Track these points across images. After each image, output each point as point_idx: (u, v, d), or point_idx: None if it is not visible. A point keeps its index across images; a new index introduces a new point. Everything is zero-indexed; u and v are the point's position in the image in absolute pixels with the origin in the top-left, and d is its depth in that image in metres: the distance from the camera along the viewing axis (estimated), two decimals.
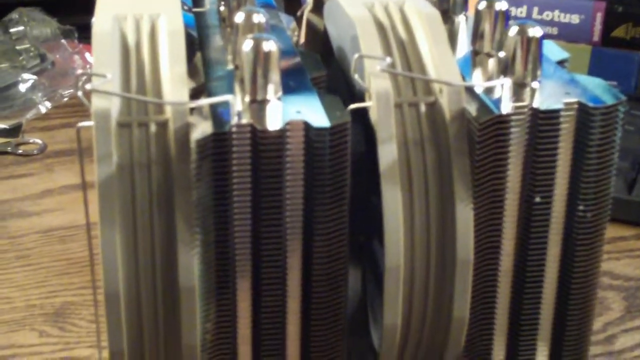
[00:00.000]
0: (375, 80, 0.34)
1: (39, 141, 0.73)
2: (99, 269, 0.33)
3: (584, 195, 0.35)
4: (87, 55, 0.81)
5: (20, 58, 0.80)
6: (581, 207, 0.35)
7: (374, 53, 0.35)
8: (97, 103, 0.33)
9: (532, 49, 0.35)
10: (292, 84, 0.36)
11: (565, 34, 0.76)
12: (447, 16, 0.44)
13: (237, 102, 0.34)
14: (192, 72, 0.39)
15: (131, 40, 0.36)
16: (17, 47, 0.81)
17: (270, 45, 0.34)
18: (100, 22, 0.36)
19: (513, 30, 0.35)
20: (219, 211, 0.33)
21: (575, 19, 0.75)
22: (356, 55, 0.35)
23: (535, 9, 0.76)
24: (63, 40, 0.80)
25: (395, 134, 0.34)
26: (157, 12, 0.37)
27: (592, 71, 0.75)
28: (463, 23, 0.43)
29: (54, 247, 0.60)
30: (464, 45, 0.41)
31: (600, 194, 0.35)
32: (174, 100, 0.32)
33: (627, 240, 0.60)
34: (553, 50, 0.40)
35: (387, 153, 0.34)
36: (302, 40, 0.47)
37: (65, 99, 0.78)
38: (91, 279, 0.37)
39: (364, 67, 0.35)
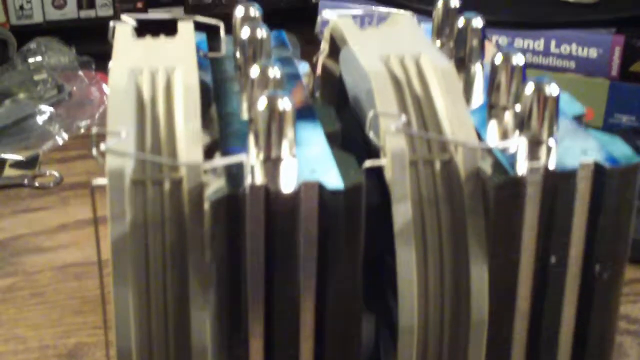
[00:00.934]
0: (391, 139, 0.34)
1: (56, 173, 0.73)
2: (110, 308, 0.33)
3: (600, 256, 0.35)
4: (104, 86, 0.81)
5: (38, 89, 0.80)
6: (597, 268, 0.35)
7: (389, 109, 0.35)
8: (111, 162, 0.33)
9: (548, 106, 0.35)
10: (307, 138, 0.36)
11: (583, 68, 0.75)
12: (463, 64, 0.43)
13: (250, 160, 0.34)
14: (207, 123, 0.39)
15: (147, 95, 0.36)
16: (35, 78, 0.81)
17: (285, 104, 0.34)
18: (116, 76, 0.36)
19: (529, 88, 0.35)
20: (233, 272, 0.33)
21: (593, 53, 0.75)
22: (371, 113, 0.35)
23: (553, 42, 0.76)
24: (80, 72, 0.80)
25: (409, 193, 0.34)
26: (172, 65, 0.37)
27: (610, 106, 0.75)
28: (479, 72, 0.43)
29: (69, 284, 0.60)
30: (479, 95, 0.41)
31: (616, 254, 0.35)
32: (188, 162, 0.32)
33: None
34: (570, 104, 0.39)
35: (402, 213, 0.34)
36: (317, 85, 0.47)
37: (82, 130, 0.78)
38: (102, 318, 0.37)
39: (379, 124, 0.35)
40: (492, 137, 0.37)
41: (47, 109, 0.78)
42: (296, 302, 0.34)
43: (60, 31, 0.91)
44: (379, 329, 0.40)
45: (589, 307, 0.35)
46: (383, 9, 0.40)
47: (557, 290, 0.35)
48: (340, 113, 0.45)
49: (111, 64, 0.38)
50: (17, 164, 0.75)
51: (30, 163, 0.75)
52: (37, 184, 0.72)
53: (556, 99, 0.35)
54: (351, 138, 0.38)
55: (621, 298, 0.58)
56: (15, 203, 0.70)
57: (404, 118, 0.34)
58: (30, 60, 0.83)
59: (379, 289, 0.39)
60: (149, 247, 0.33)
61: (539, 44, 0.76)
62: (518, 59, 0.38)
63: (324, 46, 0.46)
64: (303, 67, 0.44)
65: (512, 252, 0.34)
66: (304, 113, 0.38)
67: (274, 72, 0.37)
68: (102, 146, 0.33)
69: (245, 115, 0.39)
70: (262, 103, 0.34)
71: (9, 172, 0.74)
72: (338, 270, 0.33)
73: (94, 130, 0.33)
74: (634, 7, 0.75)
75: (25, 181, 0.72)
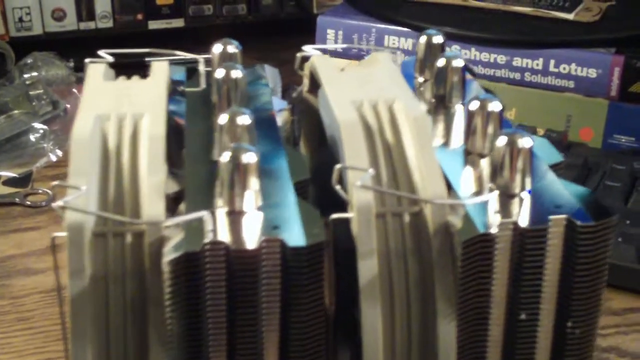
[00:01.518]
0: (357, 193, 0.33)
1: (48, 191, 0.72)
2: None
3: (573, 312, 0.34)
4: None
5: (33, 104, 0.80)
6: (569, 324, 0.34)
7: (358, 161, 0.34)
8: (70, 217, 0.32)
9: (521, 159, 0.34)
10: (273, 189, 0.35)
11: (582, 88, 0.74)
12: (443, 104, 0.43)
13: (213, 217, 0.33)
14: (178, 166, 0.39)
15: (112, 143, 0.35)
16: (31, 93, 0.81)
17: (249, 157, 0.33)
18: (81, 123, 0.36)
19: (502, 141, 0.34)
20: (194, 328, 0.33)
21: (592, 73, 0.74)
22: (337, 166, 0.34)
23: (552, 62, 0.75)
24: (74, 90, 0.80)
25: (376, 247, 0.33)
26: (141, 112, 0.37)
27: (609, 126, 0.74)
28: (460, 112, 0.42)
29: (56, 309, 0.59)
30: (459, 137, 0.40)
31: (589, 310, 0.34)
32: (148, 220, 0.32)
33: (637, 312, 0.59)
34: (547, 152, 0.38)
35: (367, 269, 0.33)
36: (298, 120, 0.47)
37: None
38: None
39: (347, 176, 0.34)
40: (467, 185, 0.36)
41: (40, 127, 0.77)
42: (259, 357, 0.33)
43: (59, 43, 0.91)
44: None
45: None
46: (363, 46, 0.40)
47: (528, 347, 0.34)
48: (321, 148, 0.45)
49: (79, 107, 0.38)
50: (10, 181, 0.74)
51: (23, 180, 0.74)
52: (29, 203, 0.71)
53: (529, 152, 0.34)
54: (328, 176, 0.38)
55: (612, 329, 0.57)
56: (6, 222, 0.69)
57: (371, 171, 0.33)
58: (26, 75, 0.82)
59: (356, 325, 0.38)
60: (110, 300, 0.33)
61: (538, 63, 0.75)
62: (494, 106, 0.37)
63: (305, 81, 0.45)
64: (281, 106, 0.43)
65: (481, 309, 0.34)
66: (272, 161, 0.37)
67: (243, 119, 0.36)
68: (60, 201, 0.32)
69: (215, 156, 0.38)
70: (225, 156, 0.33)
71: (1, 189, 0.73)
72: (301, 327, 0.33)
73: (54, 183, 0.32)
74: (634, 27, 0.74)
75: (17, 200, 0.72)
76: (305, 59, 0.45)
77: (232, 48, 0.43)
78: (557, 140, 0.71)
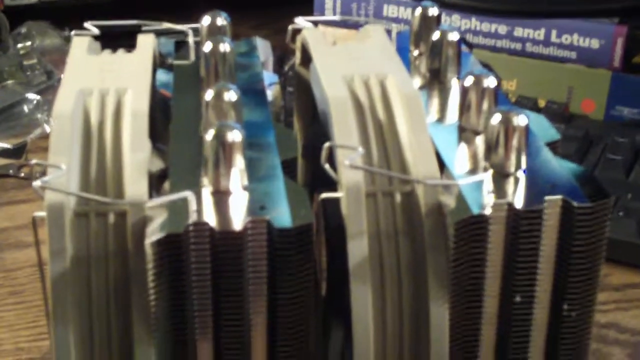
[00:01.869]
0: (346, 172, 0.32)
1: (43, 163, 0.71)
2: None
3: (569, 295, 0.33)
4: None
5: (27, 74, 0.79)
6: (565, 307, 0.33)
7: (348, 139, 0.33)
8: (50, 197, 0.31)
9: (516, 138, 0.33)
10: (260, 167, 0.34)
11: (585, 59, 0.73)
12: (438, 78, 0.41)
13: (198, 197, 0.32)
14: (164, 142, 0.38)
15: (94, 119, 0.34)
16: (25, 63, 0.80)
17: (234, 136, 0.32)
18: (63, 99, 0.34)
19: (496, 118, 0.33)
20: (179, 310, 0.32)
21: (595, 43, 0.72)
22: (326, 145, 0.33)
23: (554, 32, 0.73)
24: None
25: (366, 229, 0.32)
26: (124, 86, 0.36)
27: (612, 98, 0.73)
28: (455, 87, 0.41)
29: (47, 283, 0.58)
30: (454, 112, 0.39)
31: (585, 293, 0.33)
32: (131, 200, 0.31)
33: (636, 288, 0.58)
34: (544, 130, 0.37)
35: (357, 250, 0.32)
36: (290, 94, 0.45)
37: None
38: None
39: (337, 155, 0.33)
40: (461, 163, 0.35)
41: (34, 97, 0.76)
42: (246, 340, 0.32)
43: (54, 11, 0.90)
44: (346, 340, 0.39)
45: (557, 346, 0.34)
46: (357, 18, 0.38)
47: (523, 330, 0.33)
48: (315, 123, 0.44)
49: (62, 80, 0.36)
50: (4, 152, 0.73)
51: (17, 151, 0.73)
52: (22, 174, 0.70)
53: (524, 130, 0.33)
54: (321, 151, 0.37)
55: (612, 305, 0.56)
56: None
57: (361, 150, 0.32)
58: (20, 45, 0.81)
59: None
60: (92, 282, 0.32)
61: (540, 34, 0.74)
62: (489, 82, 0.36)
63: (297, 54, 0.44)
64: (272, 80, 0.42)
65: (475, 291, 0.33)
66: (260, 137, 0.36)
67: (230, 95, 0.35)
68: (39, 181, 0.31)
69: (202, 131, 0.37)
70: (210, 134, 0.32)
71: None
72: (288, 310, 0.32)
73: (34, 161, 0.31)
74: None
75: (11, 171, 0.71)
76: (297, 31, 0.43)
77: (221, 20, 0.42)
78: (558, 112, 0.70)
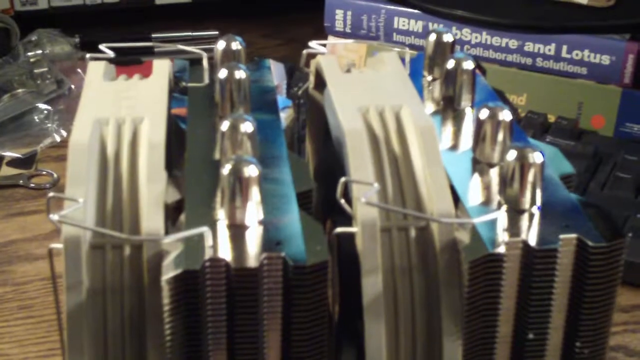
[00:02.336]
0: (362, 208, 0.32)
1: (53, 173, 0.72)
2: None
3: (582, 333, 0.33)
4: None
5: (37, 83, 0.79)
6: (578, 344, 0.33)
7: (363, 174, 0.33)
8: (67, 230, 0.31)
9: (531, 175, 0.33)
10: (275, 201, 0.34)
11: (595, 75, 0.73)
12: (452, 106, 0.41)
13: (214, 231, 0.32)
14: (181, 166, 0.38)
15: (111, 149, 0.35)
16: (35, 71, 0.80)
17: (250, 171, 0.32)
18: (79, 129, 0.35)
19: (512, 155, 0.33)
20: (193, 345, 0.32)
21: (605, 59, 0.72)
22: (342, 180, 0.33)
23: (564, 48, 0.73)
24: (79, 70, 0.79)
25: (380, 265, 0.32)
26: (141, 116, 0.36)
27: (622, 114, 0.73)
28: (469, 115, 0.41)
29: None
30: (467, 140, 0.39)
31: (598, 331, 0.33)
32: (146, 237, 0.31)
33: None
34: (558, 163, 0.37)
35: (371, 286, 0.32)
36: (304, 115, 0.46)
37: None
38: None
39: (352, 189, 0.33)
40: (474, 196, 0.35)
41: (44, 108, 0.76)
42: None
43: (65, 18, 0.90)
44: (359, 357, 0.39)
45: None
46: (369, 43, 0.38)
47: None
48: (327, 145, 0.44)
49: (78, 109, 0.37)
50: (14, 162, 0.74)
51: (27, 161, 0.74)
52: (32, 185, 0.71)
53: (540, 167, 0.33)
54: (333, 175, 0.37)
55: (621, 327, 0.56)
56: (9, 205, 0.69)
57: (377, 186, 0.32)
58: (30, 53, 0.81)
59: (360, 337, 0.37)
60: (107, 314, 0.32)
61: (550, 49, 0.74)
62: (504, 115, 0.36)
63: (311, 78, 0.44)
64: (285, 104, 0.42)
65: (488, 328, 0.33)
66: (275, 169, 0.36)
67: (245, 127, 0.35)
68: (57, 215, 0.31)
69: (216, 155, 0.37)
70: (227, 168, 0.32)
71: (5, 170, 0.73)
72: (302, 346, 0.32)
73: (50, 195, 0.32)
74: None
75: (21, 182, 0.71)
76: (312, 55, 0.44)
77: (236, 45, 0.42)
78: (568, 128, 0.70)
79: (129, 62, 0.74)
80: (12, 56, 0.83)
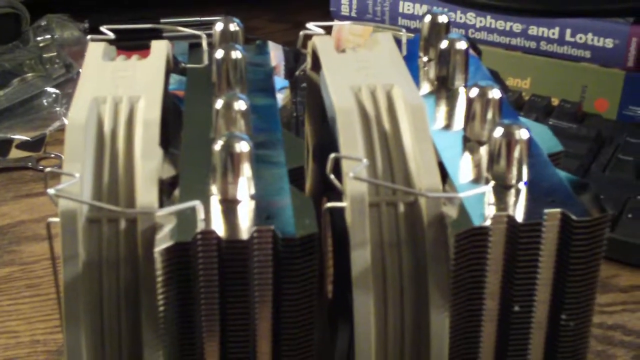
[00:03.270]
0: (351, 183, 0.33)
1: (61, 155, 0.73)
2: None
3: (567, 305, 0.34)
4: None
5: (46, 67, 0.80)
6: (564, 317, 0.34)
7: (353, 150, 0.34)
8: (63, 204, 0.32)
9: (518, 151, 0.34)
10: (267, 176, 0.35)
11: (599, 58, 0.73)
12: (445, 86, 0.42)
13: (206, 205, 0.33)
14: (179, 145, 0.39)
15: (107, 127, 0.35)
16: (44, 56, 0.81)
17: (242, 146, 0.33)
18: (77, 107, 0.35)
19: (498, 131, 0.34)
20: (186, 315, 0.33)
21: (609, 43, 0.73)
22: (332, 156, 0.34)
23: (568, 31, 0.74)
24: None
25: (369, 238, 0.33)
26: (137, 95, 0.37)
27: (625, 98, 0.73)
28: (462, 95, 0.41)
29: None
30: (460, 120, 0.40)
31: (583, 303, 0.34)
32: (141, 209, 0.32)
33: None
34: (547, 140, 0.38)
35: (360, 259, 0.33)
36: (303, 96, 0.46)
37: None
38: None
39: (342, 165, 0.34)
40: (464, 173, 0.36)
41: (53, 91, 0.77)
42: (252, 345, 0.33)
43: (75, 2, 0.91)
44: (352, 341, 0.40)
45: (556, 355, 0.34)
46: (369, 24, 0.39)
47: (522, 339, 0.34)
48: (325, 125, 0.45)
49: (77, 88, 0.38)
50: (23, 145, 0.75)
51: (36, 144, 0.75)
52: (41, 167, 0.72)
53: (527, 143, 0.34)
54: (331, 152, 0.38)
55: (619, 306, 0.57)
56: (18, 187, 0.70)
57: (366, 162, 0.33)
58: (40, 37, 0.82)
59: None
60: (104, 285, 0.33)
61: (554, 32, 0.74)
62: (494, 93, 0.36)
63: (308, 59, 0.44)
64: (282, 85, 0.43)
65: (474, 300, 0.34)
66: (268, 146, 0.37)
67: (239, 104, 0.36)
68: (53, 190, 0.32)
69: (212, 134, 0.38)
70: (219, 145, 0.33)
71: (14, 153, 0.74)
72: (292, 317, 0.33)
73: (48, 169, 0.32)
74: None
75: (30, 164, 0.72)
76: (309, 36, 0.44)
77: (234, 26, 0.43)
78: (571, 111, 0.70)
79: (137, 47, 0.75)
80: (22, 41, 0.84)
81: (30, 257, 0.62)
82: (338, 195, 0.35)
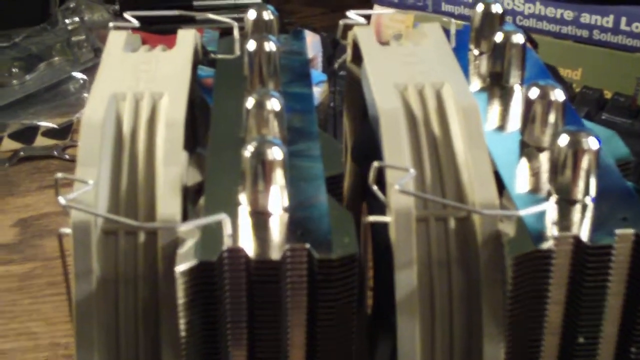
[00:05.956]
0: (396, 196, 0.29)
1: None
2: None
3: (637, 337, 0.30)
4: None
5: (74, 51, 0.77)
6: (633, 349, 0.30)
7: (399, 157, 0.31)
8: (76, 215, 0.29)
9: (585, 162, 0.30)
10: (304, 186, 0.31)
11: None
12: (500, 83, 0.38)
13: (233, 217, 0.29)
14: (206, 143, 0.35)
15: (127, 128, 0.32)
16: (72, 39, 0.78)
17: (275, 153, 0.29)
18: (94, 105, 0.32)
19: (564, 140, 0.30)
20: (210, 339, 0.29)
21: None
22: (375, 164, 0.30)
23: (623, 20, 0.69)
24: None
25: (415, 258, 0.29)
26: (160, 91, 0.33)
27: None
28: (518, 93, 0.38)
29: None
30: (516, 120, 0.36)
31: None
32: (162, 223, 0.29)
33: None
34: (614, 146, 0.34)
35: (405, 281, 0.29)
36: (340, 91, 0.43)
37: None
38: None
39: (386, 175, 0.30)
40: (521, 183, 0.32)
41: (80, 77, 0.74)
42: None
43: None
44: (393, 356, 0.36)
45: None
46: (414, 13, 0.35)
47: None
48: (364, 122, 0.41)
49: (94, 82, 0.34)
50: (49, 132, 0.72)
51: (63, 131, 0.72)
52: (67, 156, 0.69)
53: (596, 154, 0.30)
54: (372, 155, 0.34)
55: None
56: (42, 177, 0.67)
57: (413, 172, 0.30)
58: (68, 20, 0.79)
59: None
60: (120, 304, 0.30)
61: (608, 21, 0.70)
62: (557, 95, 0.33)
63: (348, 51, 0.41)
64: (320, 79, 0.39)
65: (534, 330, 0.30)
66: (304, 150, 0.33)
67: (272, 104, 0.32)
68: (63, 199, 0.29)
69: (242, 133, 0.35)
70: (249, 150, 0.30)
71: (40, 140, 0.71)
72: (328, 345, 0.29)
73: (58, 175, 0.29)
74: None
75: (55, 152, 0.69)
76: (349, 26, 0.41)
77: (268, 14, 0.39)
78: (625, 105, 0.66)
79: (167, 31, 0.72)
80: (50, 23, 0.81)
81: (54, 252, 0.59)
82: (380, 202, 0.31)
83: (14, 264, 0.57)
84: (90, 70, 0.76)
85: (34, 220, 0.62)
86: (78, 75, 0.75)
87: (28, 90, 0.74)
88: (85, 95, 0.74)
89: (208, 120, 0.37)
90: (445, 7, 0.75)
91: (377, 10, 0.61)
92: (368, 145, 0.38)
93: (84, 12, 0.81)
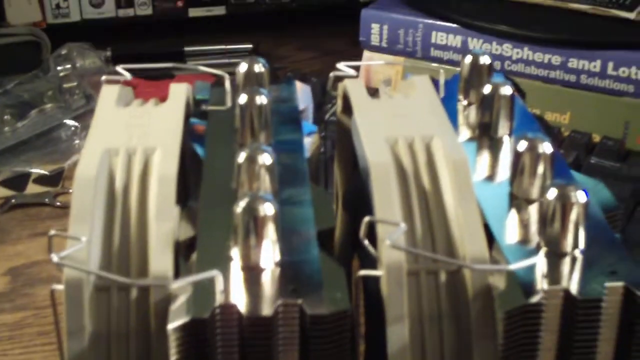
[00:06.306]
0: (387, 251, 0.30)
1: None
2: None
3: None
4: None
5: (66, 98, 0.77)
6: None
7: (390, 211, 0.31)
8: (68, 272, 0.29)
9: (574, 215, 0.30)
10: (295, 241, 0.31)
11: None
12: (488, 133, 0.39)
13: (225, 274, 0.30)
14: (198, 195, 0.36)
15: (119, 183, 0.32)
16: (64, 86, 0.78)
17: (266, 209, 0.30)
18: (87, 160, 0.32)
19: (552, 193, 0.30)
20: None
21: None
22: (366, 219, 0.30)
23: (610, 64, 0.70)
24: None
25: (406, 313, 0.30)
26: (153, 145, 0.34)
27: None
28: (507, 144, 0.38)
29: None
30: (504, 171, 0.36)
31: None
32: (154, 282, 0.29)
33: None
34: (599, 194, 0.34)
35: (397, 335, 0.29)
36: (331, 140, 0.43)
37: None
38: None
39: (377, 229, 0.31)
40: (511, 234, 0.33)
41: (72, 124, 0.75)
42: None
43: (97, 30, 0.89)
44: None
45: None
46: (402, 63, 0.36)
47: None
48: (355, 173, 0.41)
49: (87, 138, 0.35)
50: (40, 179, 0.72)
51: (54, 178, 0.72)
52: (59, 203, 0.69)
53: (584, 207, 0.30)
54: (362, 207, 0.34)
55: None
56: (34, 224, 0.67)
57: (403, 227, 0.30)
58: (60, 67, 0.80)
59: None
60: None
61: (595, 65, 0.70)
62: (545, 147, 0.33)
63: (338, 102, 0.41)
64: (311, 130, 0.40)
65: None
66: (296, 203, 0.33)
67: (264, 158, 0.32)
68: (56, 257, 0.29)
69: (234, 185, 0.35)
70: (241, 206, 0.30)
71: (32, 187, 0.71)
72: None
73: (52, 232, 0.29)
74: None
75: (47, 200, 0.69)
76: (339, 78, 0.41)
77: (259, 67, 0.40)
78: (613, 148, 0.67)
79: (160, 77, 0.72)
80: (42, 70, 0.82)
81: (45, 301, 0.59)
82: (371, 254, 0.31)
83: (5, 313, 0.57)
84: (82, 117, 0.76)
85: (25, 269, 0.62)
86: (70, 122, 0.75)
87: (20, 137, 0.75)
88: (77, 142, 0.75)
89: (199, 172, 0.37)
90: (434, 52, 0.75)
91: (366, 56, 0.62)
92: (359, 195, 0.38)
93: (75, 58, 0.82)
